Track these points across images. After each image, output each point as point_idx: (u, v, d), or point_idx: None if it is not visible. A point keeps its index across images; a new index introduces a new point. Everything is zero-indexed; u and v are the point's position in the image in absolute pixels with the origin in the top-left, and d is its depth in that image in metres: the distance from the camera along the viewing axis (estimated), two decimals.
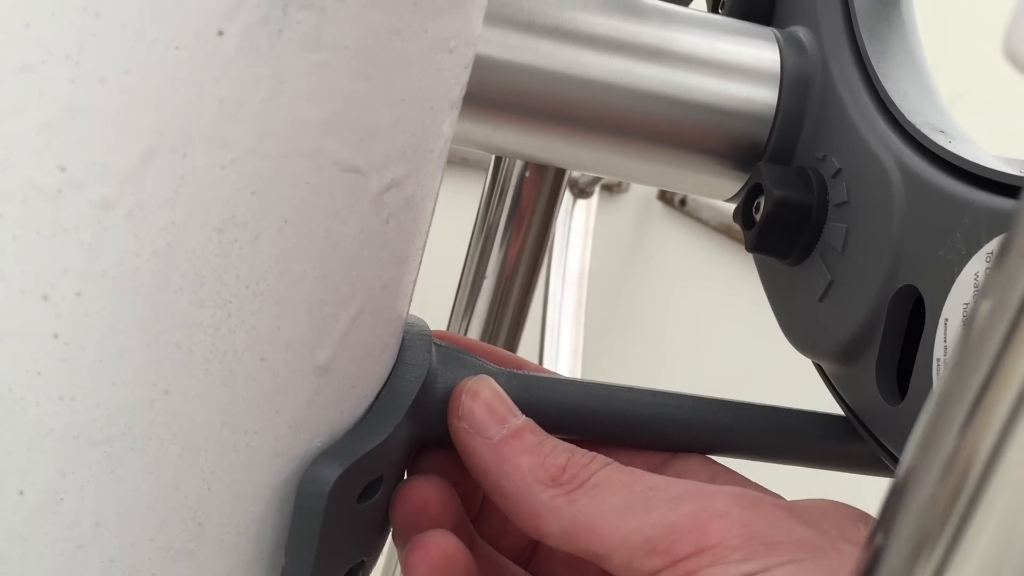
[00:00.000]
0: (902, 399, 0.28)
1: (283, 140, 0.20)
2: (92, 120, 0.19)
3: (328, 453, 0.23)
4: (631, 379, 0.31)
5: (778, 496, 0.28)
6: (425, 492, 0.27)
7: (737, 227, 0.35)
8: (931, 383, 0.27)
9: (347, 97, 0.20)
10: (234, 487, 0.22)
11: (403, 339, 0.27)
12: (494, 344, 0.45)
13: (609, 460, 0.26)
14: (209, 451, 0.22)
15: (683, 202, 1.68)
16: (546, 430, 0.27)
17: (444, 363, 0.28)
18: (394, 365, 0.26)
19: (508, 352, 0.32)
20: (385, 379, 0.26)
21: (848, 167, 0.32)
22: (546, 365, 0.80)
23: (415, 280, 0.26)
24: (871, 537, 0.14)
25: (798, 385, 0.45)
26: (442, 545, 0.26)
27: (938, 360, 0.26)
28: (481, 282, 0.45)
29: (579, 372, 0.83)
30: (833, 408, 0.32)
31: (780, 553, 0.23)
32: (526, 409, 0.27)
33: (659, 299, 1.70)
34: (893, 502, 0.13)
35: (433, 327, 0.29)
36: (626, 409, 0.30)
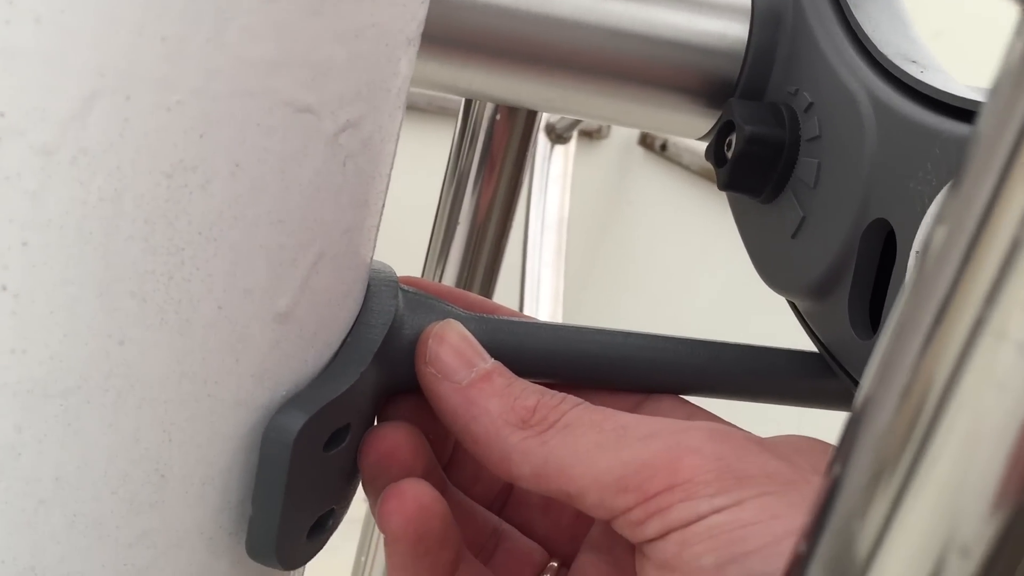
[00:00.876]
0: (874, 333, 0.28)
1: (230, 80, 0.19)
2: (29, 62, 0.18)
3: (293, 401, 0.23)
4: (613, 324, 0.30)
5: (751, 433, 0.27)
6: (394, 439, 0.27)
7: None
8: None
9: (296, 33, 0.20)
10: (197, 438, 0.22)
11: (369, 285, 0.26)
12: (470, 285, 0.45)
13: (579, 401, 0.26)
14: (169, 402, 0.21)
15: (664, 147, 1.67)
16: (516, 375, 0.27)
17: (411, 309, 0.27)
18: (360, 312, 0.26)
19: (479, 296, 0.32)
20: (350, 325, 0.25)
21: (820, 101, 0.31)
22: (527, 313, 0.80)
23: (378, 225, 0.25)
24: (831, 465, 0.13)
25: (778, 326, 0.45)
26: (417, 494, 0.25)
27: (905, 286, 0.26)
28: (454, 228, 0.44)
29: (560, 319, 0.82)
30: (808, 347, 0.32)
31: (752, 486, 0.23)
32: (495, 354, 0.27)
33: (641, 244, 1.69)
34: (852, 430, 0.13)
35: (407, 272, 0.29)
36: (597, 351, 0.29)
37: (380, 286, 0.26)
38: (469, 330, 0.27)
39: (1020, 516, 0.11)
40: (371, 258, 0.26)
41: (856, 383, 0.29)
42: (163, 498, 0.22)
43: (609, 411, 0.26)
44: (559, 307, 0.82)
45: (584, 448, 0.24)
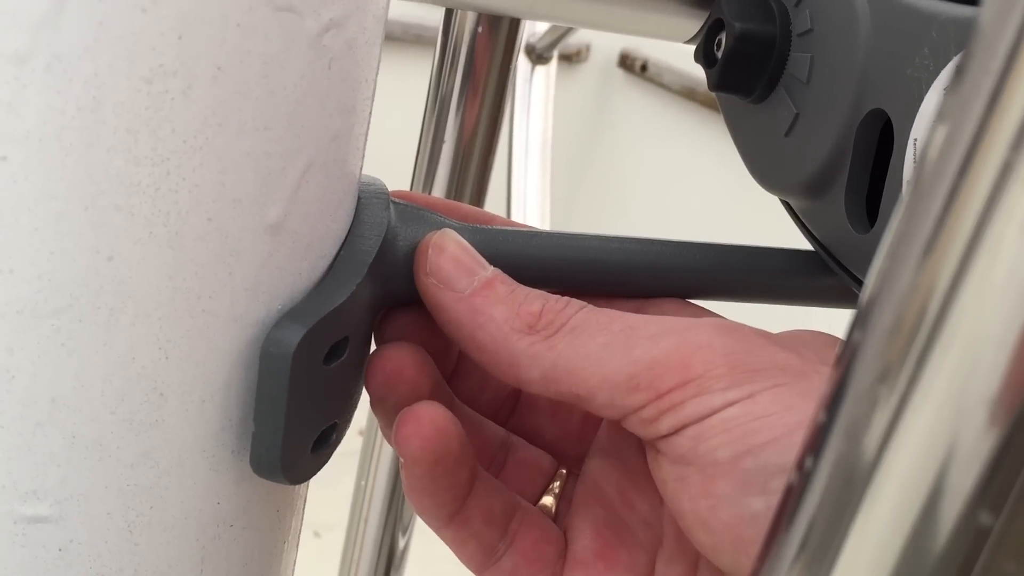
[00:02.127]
0: (871, 227, 0.28)
1: None
2: None
3: (290, 315, 0.23)
4: None
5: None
6: (398, 358, 0.26)
7: (699, 89, 0.34)
8: None
9: None
10: (194, 355, 0.22)
11: (359, 198, 0.26)
12: None
13: (584, 304, 0.26)
14: (163, 319, 0.21)
15: (644, 68, 1.65)
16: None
17: (404, 221, 0.27)
18: (352, 224, 0.25)
19: (472, 207, 0.31)
20: (343, 238, 0.25)
21: None
22: None
23: (366, 133, 0.25)
24: (839, 360, 0.13)
25: (762, 240, 0.45)
26: (433, 416, 0.25)
27: (908, 182, 0.26)
28: (439, 150, 0.44)
29: None
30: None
31: (763, 378, 0.23)
32: (493, 263, 0.27)
33: (624, 165, 1.69)
34: (858, 328, 0.13)
35: (397, 190, 0.28)
36: (595, 257, 0.29)
37: (371, 198, 0.26)
38: (466, 240, 0.27)
39: None
40: (360, 168, 0.25)
41: (854, 278, 0.29)
42: (163, 417, 0.22)
43: (615, 312, 0.25)
44: (546, 228, 0.81)
45: (592, 349, 0.24)
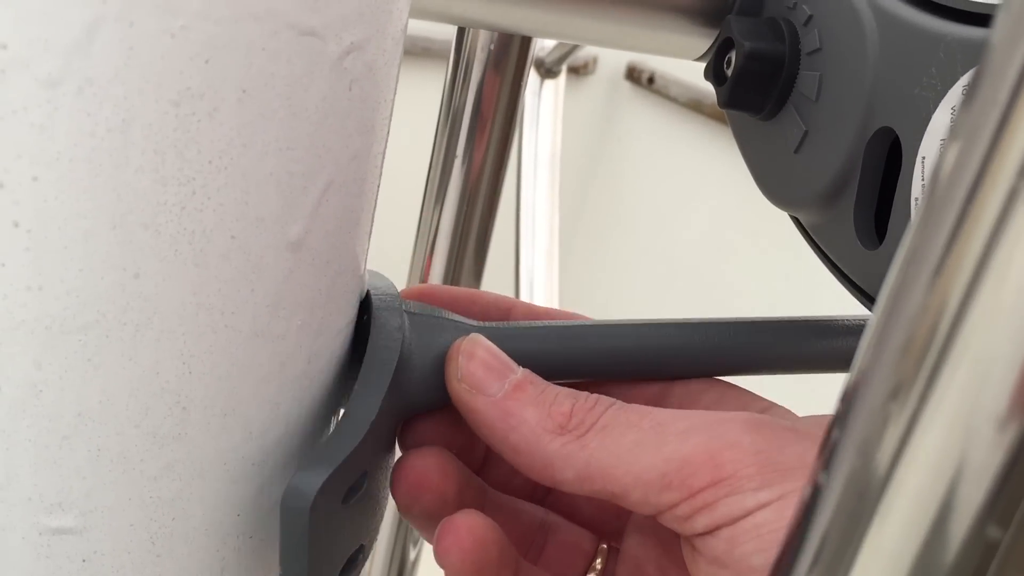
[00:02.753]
0: (880, 243, 0.28)
1: (233, 3, 0.19)
2: None
3: (305, 464, 0.23)
4: (608, 257, 0.30)
5: (784, 411, 0.28)
6: (421, 467, 0.27)
7: (706, 102, 0.34)
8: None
9: None
10: (216, 369, 0.22)
11: (372, 313, 0.26)
12: (469, 219, 0.45)
13: (613, 401, 0.26)
14: (187, 334, 0.21)
15: (651, 80, 1.66)
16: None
17: (419, 330, 0.27)
18: (367, 349, 0.25)
19: (492, 294, 0.31)
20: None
21: (819, 13, 0.31)
22: (522, 247, 0.80)
23: (384, 152, 0.25)
24: (850, 377, 0.14)
25: (767, 254, 0.45)
26: (471, 527, 0.26)
27: (916, 199, 0.26)
28: (452, 162, 0.44)
29: (556, 254, 0.82)
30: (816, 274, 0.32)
31: (794, 478, 0.23)
32: (519, 361, 0.27)
33: (631, 178, 1.69)
34: (870, 346, 0.13)
35: (405, 214, 0.29)
36: (616, 345, 0.29)
37: (382, 312, 0.26)
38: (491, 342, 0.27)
39: None
40: (378, 186, 0.26)
41: (863, 294, 0.29)
42: (185, 430, 0.22)
43: (644, 408, 0.25)
44: (555, 242, 0.82)
45: (624, 448, 0.25)
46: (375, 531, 0.27)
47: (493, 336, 0.27)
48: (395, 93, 0.25)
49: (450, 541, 0.26)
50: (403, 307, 0.27)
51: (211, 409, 0.22)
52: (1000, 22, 0.12)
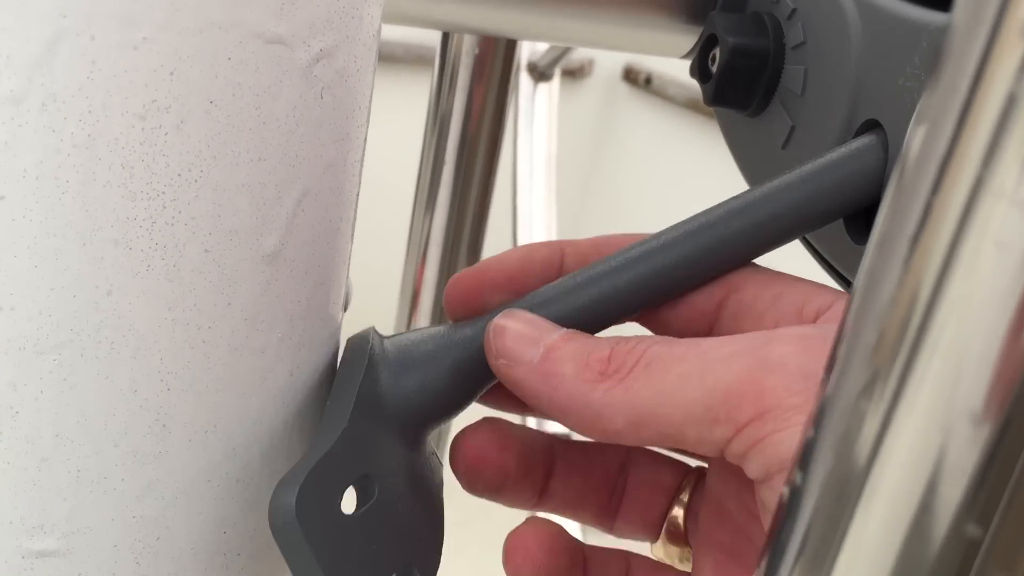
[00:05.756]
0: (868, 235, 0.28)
1: (196, 13, 0.19)
2: None
3: (284, 478, 0.22)
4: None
5: (819, 289, 0.26)
6: (475, 443, 0.27)
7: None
8: None
9: None
10: (195, 385, 0.22)
11: (345, 347, 0.26)
12: (460, 226, 0.45)
13: (657, 338, 0.24)
14: (164, 350, 0.21)
15: (648, 81, 1.66)
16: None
17: (416, 345, 0.27)
18: (338, 366, 0.25)
19: (529, 256, 0.29)
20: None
21: (802, 6, 0.31)
22: None
23: (361, 160, 0.25)
24: (825, 375, 0.13)
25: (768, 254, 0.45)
26: (540, 538, 0.26)
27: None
28: (441, 168, 0.44)
29: None
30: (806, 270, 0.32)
31: None
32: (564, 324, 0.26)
33: (630, 179, 1.69)
34: (843, 342, 0.13)
35: (396, 222, 0.28)
36: (650, 271, 0.27)
37: (351, 343, 0.26)
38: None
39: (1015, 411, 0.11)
40: (357, 195, 0.25)
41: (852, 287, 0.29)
42: (167, 448, 0.22)
43: (689, 340, 0.24)
44: None
45: (669, 383, 0.23)
46: (429, 552, 0.26)
47: (528, 306, 0.26)
48: (371, 100, 0.24)
49: (520, 558, 0.26)
50: (377, 334, 0.27)
51: (192, 426, 0.22)
52: (961, 2, 0.11)
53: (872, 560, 0.12)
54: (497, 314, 0.26)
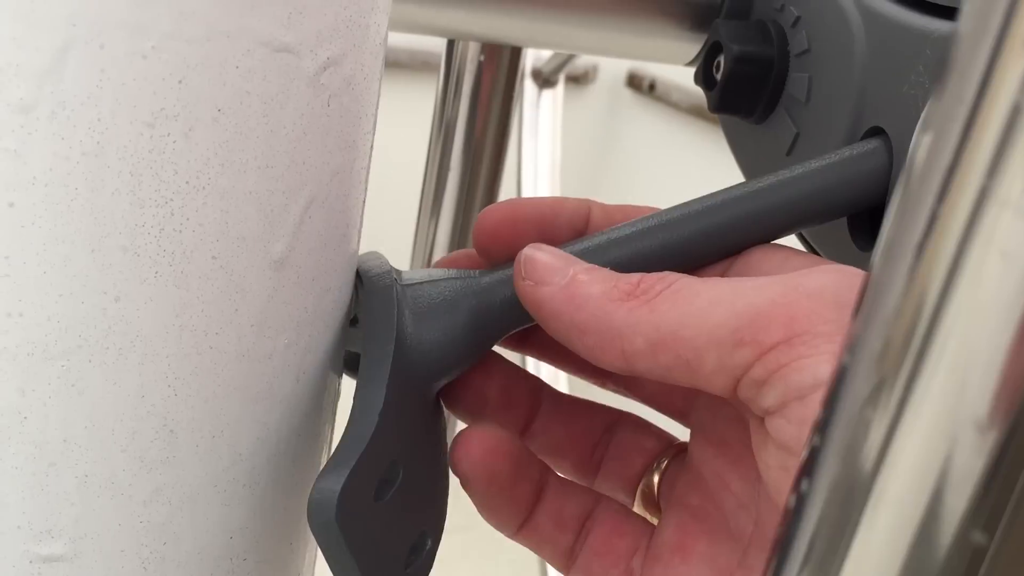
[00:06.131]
0: (875, 242, 0.28)
1: (204, 22, 0.19)
2: None
3: (326, 473, 0.23)
4: None
5: (822, 262, 0.25)
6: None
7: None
8: None
9: None
10: (203, 391, 0.22)
11: (364, 296, 0.25)
12: (465, 231, 0.45)
13: (683, 275, 0.24)
14: (171, 356, 0.21)
15: (652, 87, 1.66)
16: None
17: (427, 298, 0.26)
18: (366, 338, 0.25)
19: (561, 203, 0.29)
20: (351, 270, 0.25)
21: (807, 14, 0.31)
22: None
23: (368, 167, 0.25)
24: (830, 382, 0.13)
25: None
26: (483, 438, 0.26)
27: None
28: (446, 174, 0.44)
29: None
30: None
31: None
32: None
33: (635, 186, 1.69)
34: (848, 350, 0.13)
35: (401, 225, 0.28)
36: (661, 241, 0.27)
37: (373, 298, 0.25)
38: None
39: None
40: (363, 200, 0.25)
41: None
42: (174, 453, 0.22)
43: (718, 278, 0.24)
44: None
45: (697, 307, 0.23)
46: (437, 516, 0.27)
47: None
48: (377, 107, 0.25)
49: (461, 451, 0.26)
50: (399, 282, 0.26)
51: (199, 431, 0.22)
52: (967, 11, 0.11)
53: (877, 568, 0.12)
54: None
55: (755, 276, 0.24)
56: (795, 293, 0.21)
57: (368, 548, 0.23)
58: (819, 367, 0.21)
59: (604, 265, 0.26)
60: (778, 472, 0.22)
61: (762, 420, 0.22)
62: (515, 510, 0.28)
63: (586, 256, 0.26)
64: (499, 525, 0.28)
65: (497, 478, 0.27)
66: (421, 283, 0.27)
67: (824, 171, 0.26)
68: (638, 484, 0.30)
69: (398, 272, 0.27)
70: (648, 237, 0.27)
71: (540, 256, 0.25)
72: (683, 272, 0.25)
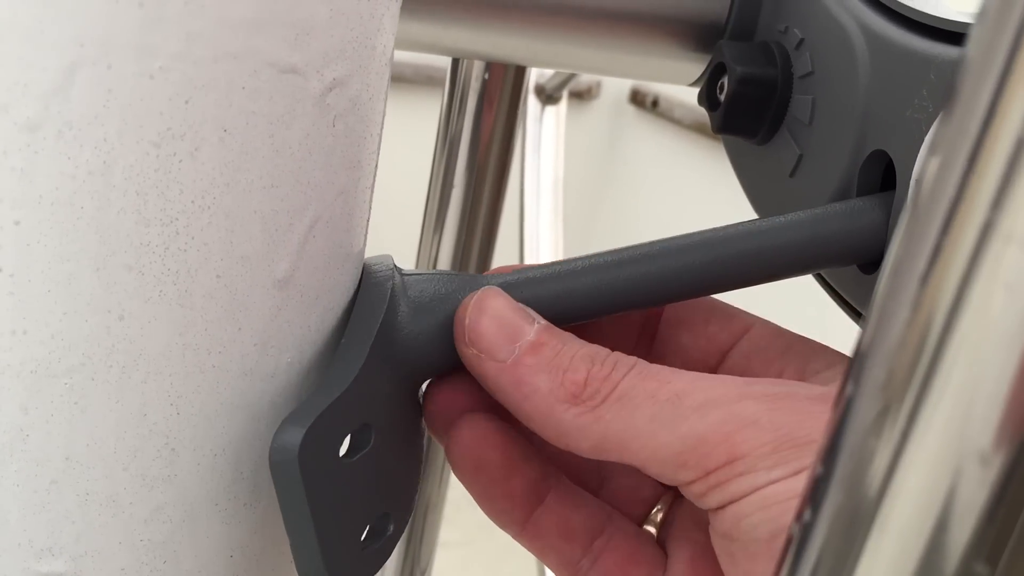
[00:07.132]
0: (878, 268, 0.28)
1: (212, 43, 0.19)
2: (6, 36, 0.18)
3: (290, 417, 0.22)
4: None
5: (824, 350, 0.27)
6: (475, 442, 0.27)
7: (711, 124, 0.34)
8: None
9: None
10: (205, 410, 0.22)
11: (363, 280, 0.25)
12: (469, 247, 0.45)
13: (632, 363, 0.25)
14: (174, 375, 0.21)
15: (655, 103, 1.66)
16: (560, 321, 0.26)
17: (423, 288, 0.26)
18: (354, 308, 0.25)
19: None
20: (353, 290, 0.25)
21: (810, 36, 0.31)
22: None
23: (372, 187, 0.25)
24: (834, 411, 0.13)
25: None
26: (473, 425, 0.26)
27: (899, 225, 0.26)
28: (450, 191, 0.44)
29: None
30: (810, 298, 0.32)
31: (812, 452, 0.22)
32: (543, 308, 0.26)
33: (638, 202, 1.69)
34: (852, 379, 0.13)
35: (404, 240, 0.28)
36: (633, 275, 0.26)
37: (372, 276, 0.25)
38: (508, 292, 0.26)
39: None
40: (367, 220, 0.25)
41: (861, 317, 0.29)
42: (175, 471, 0.22)
43: (664, 374, 0.24)
44: None
45: (640, 422, 0.24)
46: (404, 503, 0.26)
47: (513, 285, 0.26)
48: (382, 127, 0.25)
49: (455, 435, 0.27)
50: (397, 268, 0.26)
51: (201, 450, 0.22)
52: (975, 35, 0.11)
53: None
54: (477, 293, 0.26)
55: (709, 378, 0.24)
56: (734, 421, 0.23)
57: (327, 507, 0.22)
58: (757, 478, 0.22)
59: (564, 295, 0.26)
60: (725, 558, 0.24)
61: (705, 513, 0.24)
62: (511, 506, 0.27)
63: (550, 283, 0.26)
64: (498, 521, 0.28)
65: (486, 467, 0.27)
66: (422, 277, 0.26)
67: (799, 224, 0.26)
68: (645, 515, 0.30)
69: (401, 269, 0.27)
70: (621, 268, 0.27)
71: (485, 325, 0.25)
72: (655, 300, 0.27)
